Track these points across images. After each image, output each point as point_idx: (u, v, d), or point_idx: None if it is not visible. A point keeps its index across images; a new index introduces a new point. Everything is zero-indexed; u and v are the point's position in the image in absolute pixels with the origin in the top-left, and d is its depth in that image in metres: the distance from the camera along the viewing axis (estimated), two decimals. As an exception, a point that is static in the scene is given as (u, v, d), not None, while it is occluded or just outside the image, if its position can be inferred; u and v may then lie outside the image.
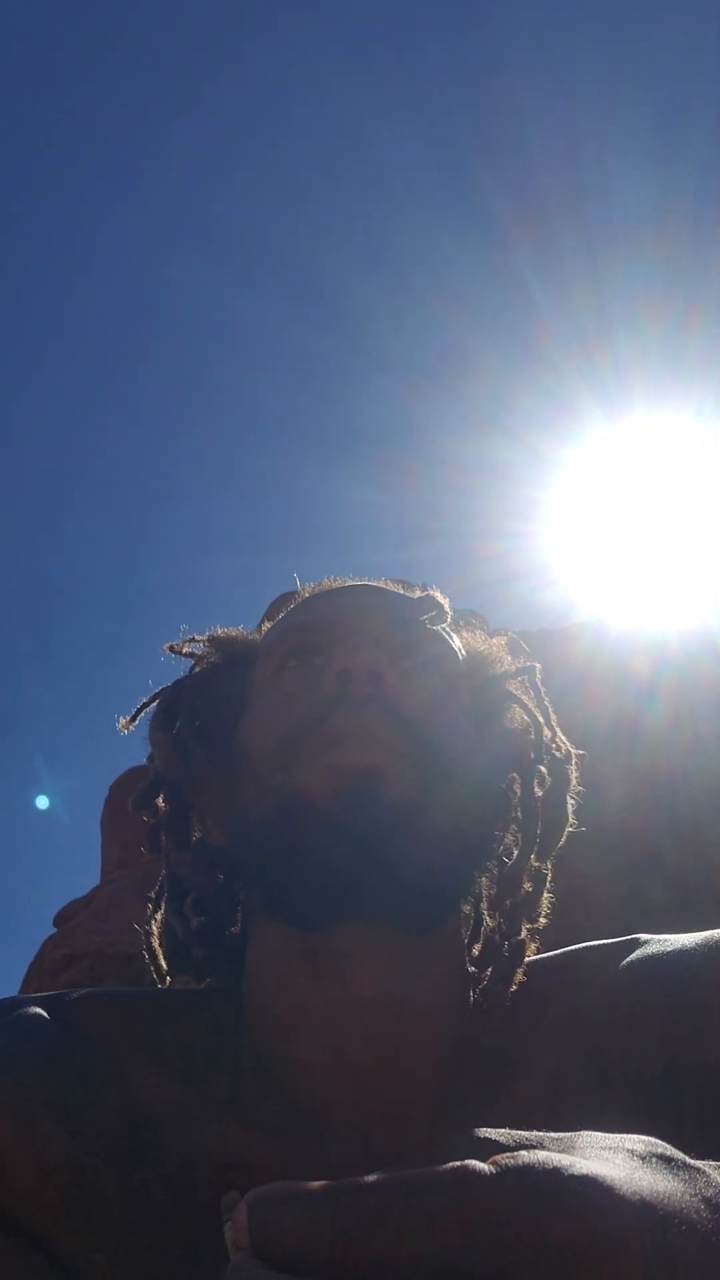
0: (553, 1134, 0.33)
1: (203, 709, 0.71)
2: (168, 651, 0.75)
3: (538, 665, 0.73)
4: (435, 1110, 0.58)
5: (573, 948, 0.66)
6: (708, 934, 0.59)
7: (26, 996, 0.63)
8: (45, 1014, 0.60)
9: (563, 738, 0.71)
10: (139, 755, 0.75)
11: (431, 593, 0.69)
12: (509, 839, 0.68)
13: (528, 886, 0.66)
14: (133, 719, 0.72)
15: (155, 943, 0.70)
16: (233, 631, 0.75)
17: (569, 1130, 0.34)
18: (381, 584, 0.71)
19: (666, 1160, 0.32)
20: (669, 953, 0.60)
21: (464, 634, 0.73)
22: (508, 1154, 0.30)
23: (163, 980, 0.69)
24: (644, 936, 0.64)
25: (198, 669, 0.74)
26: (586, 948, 0.65)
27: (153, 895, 0.72)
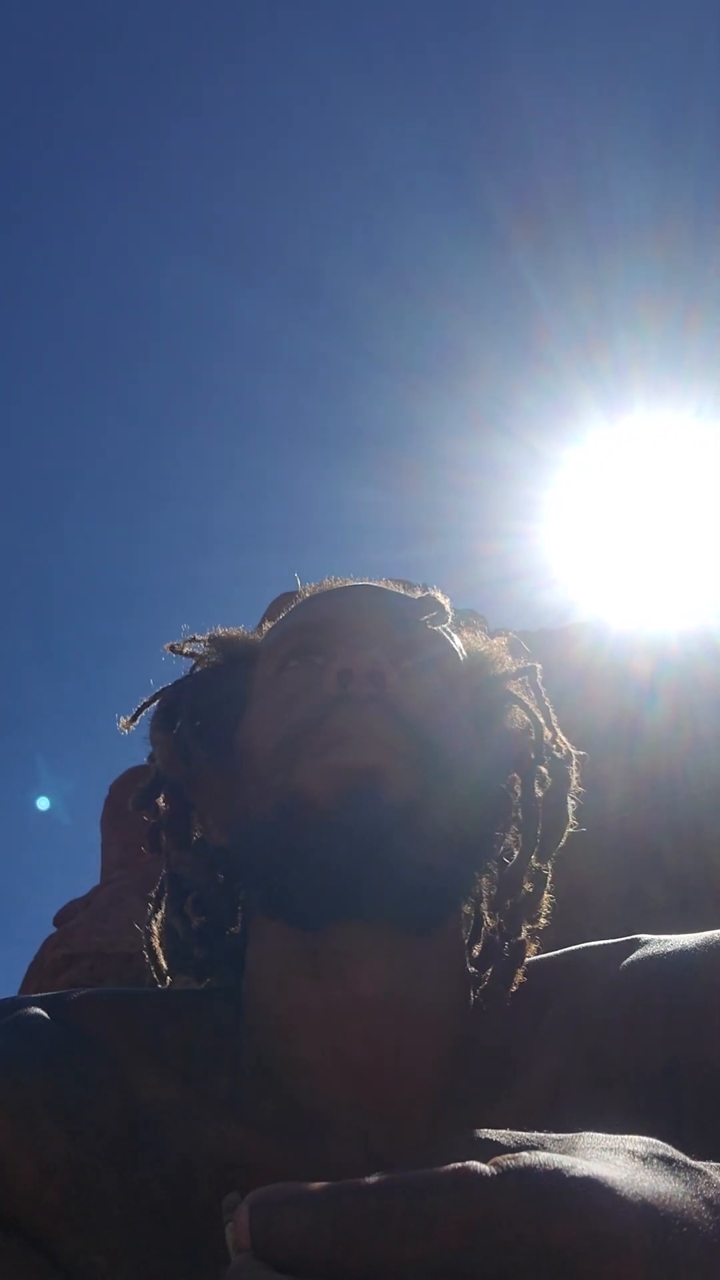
0: (554, 1135, 0.33)
1: (203, 709, 0.71)
2: (168, 651, 0.75)
3: (538, 665, 0.73)
4: (435, 1110, 0.58)
5: (573, 948, 0.66)
6: (708, 934, 0.59)
7: (26, 996, 0.63)
8: (45, 1014, 0.60)
9: (563, 738, 0.70)
10: (139, 755, 0.75)
11: (432, 593, 0.69)
12: (509, 839, 0.68)
13: (528, 887, 0.66)
14: (133, 719, 0.72)
15: (155, 943, 0.70)
16: (233, 631, 0.75)
17: (569, 1131, 0.34)
18: (382, 584, 0.71)
19: (667, 1161, 0.33)
20: (669, 953, 0.59)
21: (464, 634, 0.73)
22: (509, 1155, 0.30)
23: (163, 980, 0.69)
24: (644, 936, 0.64)
25: (198, 669, 0.74)
26: (586, 948, 0.65)
27: (153, 895, 0.72)
